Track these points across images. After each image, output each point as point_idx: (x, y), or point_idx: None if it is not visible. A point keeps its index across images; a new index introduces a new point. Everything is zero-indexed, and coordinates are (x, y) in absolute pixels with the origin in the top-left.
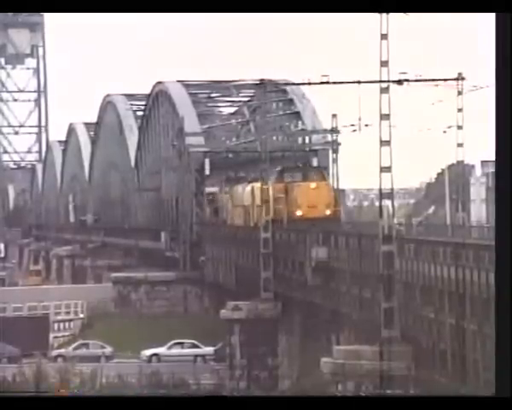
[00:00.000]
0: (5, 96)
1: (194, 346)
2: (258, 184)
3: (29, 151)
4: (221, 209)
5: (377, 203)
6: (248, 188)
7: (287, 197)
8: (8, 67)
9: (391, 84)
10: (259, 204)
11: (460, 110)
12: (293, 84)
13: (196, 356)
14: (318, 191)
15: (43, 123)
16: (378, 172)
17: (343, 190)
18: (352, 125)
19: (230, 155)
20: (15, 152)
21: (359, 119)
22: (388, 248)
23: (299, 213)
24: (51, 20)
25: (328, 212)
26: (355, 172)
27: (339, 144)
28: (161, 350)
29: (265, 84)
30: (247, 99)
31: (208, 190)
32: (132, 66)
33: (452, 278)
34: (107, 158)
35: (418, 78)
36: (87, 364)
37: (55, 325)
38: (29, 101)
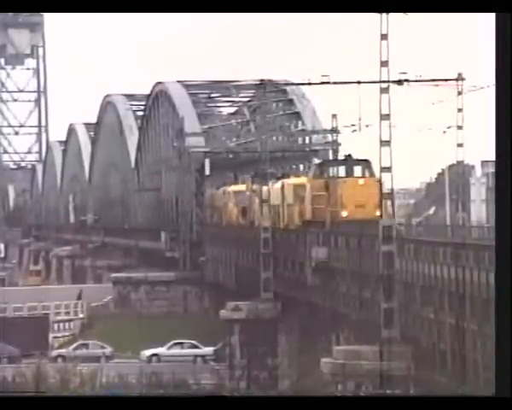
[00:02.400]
0: (5, 96)
1: (194, 346)
2: (290, 181)
3: (29, 151)
4: (249, 209)
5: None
6: (278, 185)
7: (329, 195)
8: (8, 67)
9: (391, 84)
10: (291, 203)
11: (460, 110)
12: (293, 84)
13: (196, 356)
14: (367, 189)
15: (43, 123)
16: (378, 172)
17: None
18: (352, 125)
19: (230, 155)
20: (15, 152)
21: (359, 119)
22: (388, 248)
23: (344, 213)
24: (51, 20)
25: (378, 213)
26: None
27: (339, 144)
28: (161, 350)
29: (265, 85)
30: (247, 99)
31: (235, 188)
32: (132, 66)
33: (452, 278)
34: (107, 158)
35: (418, 78)
36: (87, 364)
37: (55, 326)
38: (29, 101)
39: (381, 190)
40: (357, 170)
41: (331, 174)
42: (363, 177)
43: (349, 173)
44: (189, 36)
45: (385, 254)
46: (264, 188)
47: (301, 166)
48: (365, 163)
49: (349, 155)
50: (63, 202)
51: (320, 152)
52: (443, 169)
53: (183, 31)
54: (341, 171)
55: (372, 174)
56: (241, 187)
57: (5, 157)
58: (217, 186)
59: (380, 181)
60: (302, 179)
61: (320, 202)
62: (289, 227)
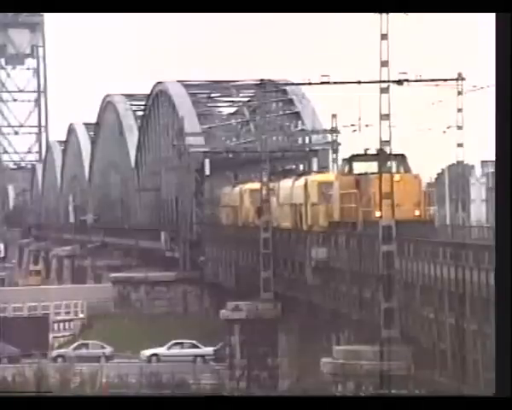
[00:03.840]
0: (5, 96)
1: (194, 346)
2: (314, 177)
3: (29, 151)
4: (266, 209)
5: None
6: (300, 182)
7: (360, 194)
8: (8, 67)
9: (391, 84)
10: (316, 202)
11: (460, 110)
12: (293, 84)
13: (196, 356)
14: (404, 186)
15: (43, 123)
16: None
17: None
18: (352, 125)
19: (230, 155)
20: (15, 152)
21: (359, 119)
22: (388, 248)
23: (378, 213)
24: (51, 20)
25: (417, 212)
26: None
27: (339, 144)
28: (161, 350)
29: (265, 84)
30: (247, 99)
31: (252, 186)
32: (132, 66)
33: (452, 278)
34: (107, 158)
35: (418, 78)
36: (87, 364)
37: (55, 326)
38: (29, 101)
39: (420, 187)
40: (392, 165)
41: (361, 170)
42: (399, 173)
43: (383, 169)
44: (189, 36)
45: (385, 254)
46: (287, 185)
47: (301, 166)
48: (400, 158)
49: (381, 149)
50: (63, 202)
51: (320, 152)
52: (443, 169)
53: (183, 31)
54: (373, 166)
55: (408, 170)
56: (257, 185)
57: (5, 157)
58: (233, 184)
59: (419, 177)
60: (328, 176)
61: (350, 200)
62: (313, 228)
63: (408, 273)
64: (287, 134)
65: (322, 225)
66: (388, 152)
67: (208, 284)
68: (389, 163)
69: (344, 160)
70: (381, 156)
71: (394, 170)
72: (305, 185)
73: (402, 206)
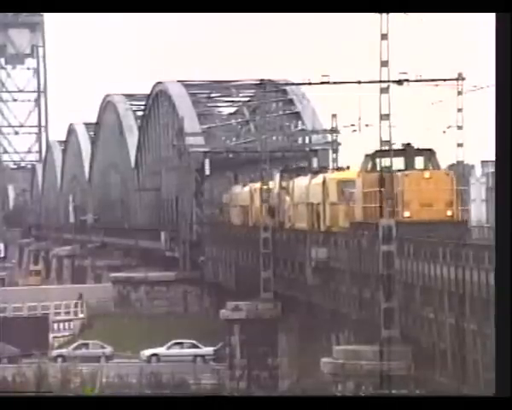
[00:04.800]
0: (5, 96)
1: (194, 346)
2: (333, 175)
3: (29, 151)
4: (278, 209)
5: None
6: (317, 180)
7: (386, 192)
8: (8, 67)
9: (391, 84)
10: (335, 201)
11: (460, 110)
12: (293, 84)
13: (196, 356)
14: (435, 183)
15: (43, 123)
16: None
17: None
18: (352, 125)
19: (230, 155)
20: (15, 152)
21: (359, 119)
22: (388, 248)
23: (407, 213)
24: (51, 20)
25: (449, 212)
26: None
27: (339, 144)
28: (161, 350)
29: (265, 84)
30: (247, 99)
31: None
32: (132, 66)
33: (452, 278)
34: (107, 158)
35: (418, 78)
36: (87, 364)
37: (55, 326)
38: (29, 101)
39: (452, 185)
40: (419, 161)
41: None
42: (429, 169)
43: (409, 165)
44: (189, 36)
45: (385, 254)
46: (302, 183)
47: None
48: (429, 153)
49: (408, 144)
50: (63, 202)
51: (319, 152)
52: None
53: (183, 31)
54: (399, 162)
55: (437, 166)
56: (270, 184)
57: (5, 157)
58: (243, 183)
59: (451, 174)
60: (349, 174)
61: (374, 199)
62: (332, 229)
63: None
64: (287, 134)
65: (341, 225)
66: (414, 147)
67: (208, 284)
68: (416, 159)
69: (367, 156)
70: (408, 152)
71: (422, 166)
72: (324, 183)
73: (433, 205)
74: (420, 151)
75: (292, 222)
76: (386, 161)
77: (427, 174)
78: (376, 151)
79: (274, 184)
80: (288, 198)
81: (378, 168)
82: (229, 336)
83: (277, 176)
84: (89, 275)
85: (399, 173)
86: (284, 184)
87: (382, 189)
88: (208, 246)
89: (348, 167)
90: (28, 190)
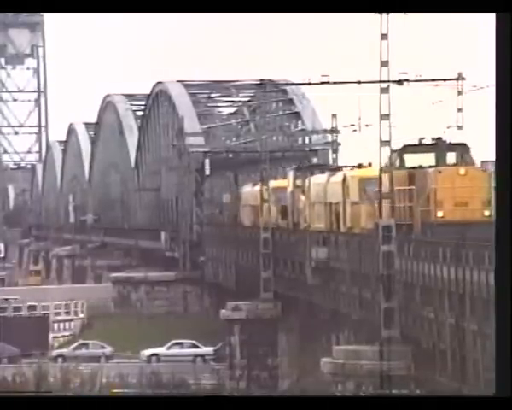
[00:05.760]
0: (5, 96)
1: (194, 346)
2: (354, 173)
3: (29, 151)
4: (292, 209)
5: None
6: (337, 178)
7: (417, 191)
8: (8, 67)
9: (391, 84)
10: (357, 201)
11: (460, 110)
12: (293, 84)
13: (196, 356)
14: (471, 181)
15: (43, 123)
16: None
17: None
18: (352, 125)
19: (230, 155)
20: (15, 152)
21: (359, 119)
22: (388, 248)
23: (440, 213)
24: (51, 20)
25: (487, 213)
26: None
27: (339, 144)
28: (161, 350)
29: (265, 84)
30: (247, 99)
31: (274, 184)
32: (132, 66)
33: (452, 278)
34: (107, 158)
35: (418, 78)
36: (87, 364)
37: (55, 326)
38: (29, 101)
39: (489, 182)
40: (451, 157)
41: (414, 163)
42: (463, 166)
43: (440, 161)
44: (189, 36)
45: (385, 254)
46: (320, 181)
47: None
48: (462, 148)
49: (439, 138)
50: (63, 202)
51: (319, 152)
52: None
53: (183, 31)
54: (429, 158)
55: (472, 162)
56: (282, 183)
57: (5, 157)
58: (253, 183)
59: (488, 171)
60: (372, 171)
61: (403, 199)
62: (353, 231)
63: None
64: (287, 134)
65: (364, 226)
66: (446, 142)
67: (208, 284)
68: (449, 154)
69: (394, 151)
70: (439, 146)
71: (454, 162)
72: (344, 182)
73: (468, 205)
74: (452, 146)
75: (308, 223)
76: (415, 157)
77: (462, 171)
78: (405, 146)
79: (287, 183)
80: (303, 197)
81: (407, 165)
82: (229, 336)
83: (291, 174)
84: (89, 275)
85: (431, 170)
86: (299, 182)
87: (413, 187)
88: (209, 247)
89: (370, 164)
90: (28, 190)
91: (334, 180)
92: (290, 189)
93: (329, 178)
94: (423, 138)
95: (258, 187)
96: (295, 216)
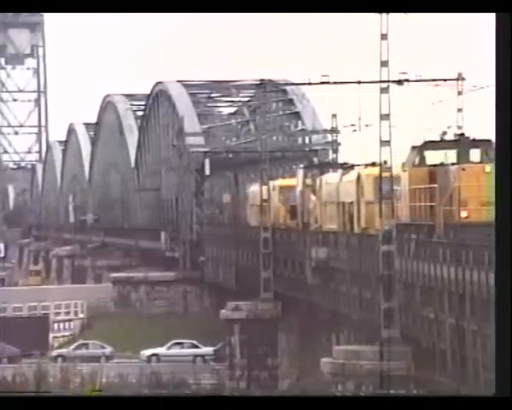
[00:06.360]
0: (5, 96)
1: (194, 346)
2: (369, 171)
3: (29, 151)
4: (302, 209)
5: None
6: (350, 177)
7: (439, 189)
8: (8, 67)
9: (391, 84)
10: (372, 200)
11: (460, 110)
12: (293, 84)
13: (196, 356)
14: None
15: (43, 123)
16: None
17: None
18: (352, 125)
19: (230, 155)
20: (15, 152)
21: (359, 119)
22: (388, 248)
23: (464, 214)
24: (51, 20)
25: None
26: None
27: (339, 144)
28: (161, 350)
29: (265, 84)
30: (247, 99)
31: (282, 183)
32: (132, 66)
33: (452, 278)
34: (107, 158)
35: (418, 78)
36: (87, 364)
37: (55, 326)
38: (29, 101)
39: None
40: (475, 154)
41: (433, 160)
42: (488, 162)
43: (462, 158)
44: (189, 36)
45: (385, 254)
46: (332, 180)
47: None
48: (486, 144)
49: (462, 134)
50: (63, 202)
51: (319, 152)
52: None
53: (183, 31)
54: (451, 155)
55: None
56: (290, 181)
57: (5, 157)
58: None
59: None
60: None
61: (424, 198)
62: (368, 232)
63: None
64: (287, 134)
65: (379, 227)
66: (469, 138)
67: (208, 284)
68: (472, 151)
69: (414, 148)
70: (462, 143)
71: (477, 160)
72: (358, 180)
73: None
74: (476, 142)
75: (319, 223)
76: (436, 154)
77: (488, 168)
78: (425, 142)
79: (296, 182)
80: (313, 197)
81: (427, 162)
82: (229, 336)
83: (300, 172)
84: (89, 275)
85: (455, 167)
86: (309, 181)
87: (434, 185)
88: (209, 247)
89: (385, 162)
90: (28, 190)
91: (347, 179)
92: (300, 188)
93: (342, 176)
94: (445, 134)
95: (265, 186)
96: (305, 216)
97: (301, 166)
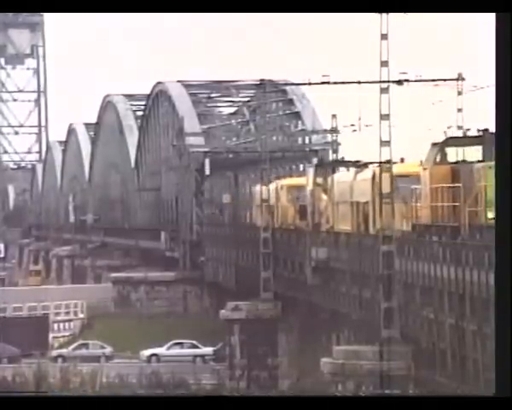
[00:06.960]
0: (5, 96)
1: (194, 346)
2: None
3: (29, 151)
4: (312, 209)
5: None
6: (365, 175)
7: (464, 188)
8: (8, 67)
9: (391, 84)
10: (388, 200)
11: (460, 110)
12: (293, 84)
13: (196, 356)
14: None
15: (43, 123)
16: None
17: None
18: (352, 125)
19: (230, 155)
20: (15, 152)
21: (359, 119)
22: (388, 248)
23: (491, 214)
24: (51, 20)
25: None
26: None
27: (339, 144)
28: (161, 350)
29: (265, 84)
30: (247, 99)
31: (290, 182)
32: (132, 66)
33: (452, 278)
34: (107, 158)
35: (418, 78)
36: (87, 364)
37: (55, 326)
38: (29, 101)
39: None
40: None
41: (456, 158)
42: None
43: (487, 155)
44: (189, 36)
45: (385, 254)
46: (345, 179)
47: (301, 167)
48: None
49: (486, 130)
50: (63, 202)
51: (320, 152)
52: None
53: (183, 31)
54: (475, 153)
55: None
56: (299, 180)
57: (5, 157)
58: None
59: None
60: (405, 167)
61: (446, 197)
62: (384, 232)
63: None
64: (287, 134)
65: (397, 228)
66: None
67: (208, 284)
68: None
69: (434, 144)
70: (487, 139)
71: None
72: (373, 179)
73: None
74: None
75: (331, 224)
76: (459, 151)
77: None
78: (447, 139)
79: (306, 181)
80: (325, 196)
81: (449, 160)
82: (228, 336)
83: (311, 171)
84: (89, 275)
85: (480, 165)
86: (320, 180)
87: (458, 184)
88: (209, 247)
89: (402, 160)
90: (28, 190)
91: (361, 178)
92: (310, 187)
93: (356, 175)
94: (468, 130)
95: (272, 185)
96: (316, 216)
97: (312, 164)
